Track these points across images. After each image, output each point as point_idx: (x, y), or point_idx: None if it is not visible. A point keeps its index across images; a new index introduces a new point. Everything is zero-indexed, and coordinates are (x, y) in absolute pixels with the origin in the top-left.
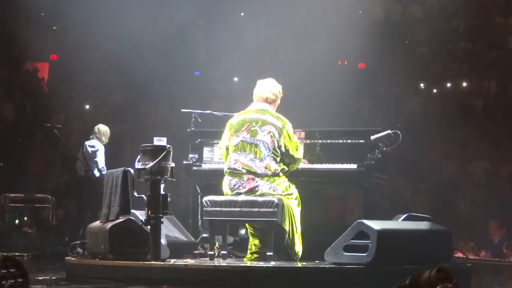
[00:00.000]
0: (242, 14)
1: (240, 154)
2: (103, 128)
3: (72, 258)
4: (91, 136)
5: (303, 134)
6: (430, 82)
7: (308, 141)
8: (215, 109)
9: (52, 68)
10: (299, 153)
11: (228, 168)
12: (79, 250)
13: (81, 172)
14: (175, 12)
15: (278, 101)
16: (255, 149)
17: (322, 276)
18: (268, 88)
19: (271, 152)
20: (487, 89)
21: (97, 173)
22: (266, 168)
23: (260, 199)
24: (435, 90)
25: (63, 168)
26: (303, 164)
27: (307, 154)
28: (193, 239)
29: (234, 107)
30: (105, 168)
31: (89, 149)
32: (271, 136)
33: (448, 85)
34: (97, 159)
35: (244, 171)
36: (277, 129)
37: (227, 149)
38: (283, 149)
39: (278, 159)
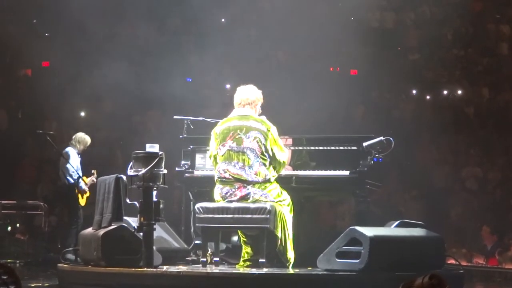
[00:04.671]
0: (223, 20)
1: (228, 163)
2: (78, 135)
3: (65, 265)
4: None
5: (290, 141)
6: (422, 89)
7: (300, 148)
8: (207, 116)
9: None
10: (283, 156)
11: (218, 177)
12: (72, 257)
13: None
14: (166, 19)
15: (259, 106)
16: (243, 157)
17: (315, 283)
18: (248, 93)
19: (259, 157)
20: (478, 95)
21: (70, 179)
22: (256, 175)
23: (252, 205)
24: (427, 97)
25: (55, 175)
26: (292, 171)
27: (293, 160)
28: (186, 246)
29: (226, 114)
30: (76, 173)
31: (64, 156)
32: (257, 142)
33: (440, 91)
34: (67, 165)
35: (234, 179)
36: (262, 133)
37: (215, 158)
38: (270, 153)
39: (267, 164)
